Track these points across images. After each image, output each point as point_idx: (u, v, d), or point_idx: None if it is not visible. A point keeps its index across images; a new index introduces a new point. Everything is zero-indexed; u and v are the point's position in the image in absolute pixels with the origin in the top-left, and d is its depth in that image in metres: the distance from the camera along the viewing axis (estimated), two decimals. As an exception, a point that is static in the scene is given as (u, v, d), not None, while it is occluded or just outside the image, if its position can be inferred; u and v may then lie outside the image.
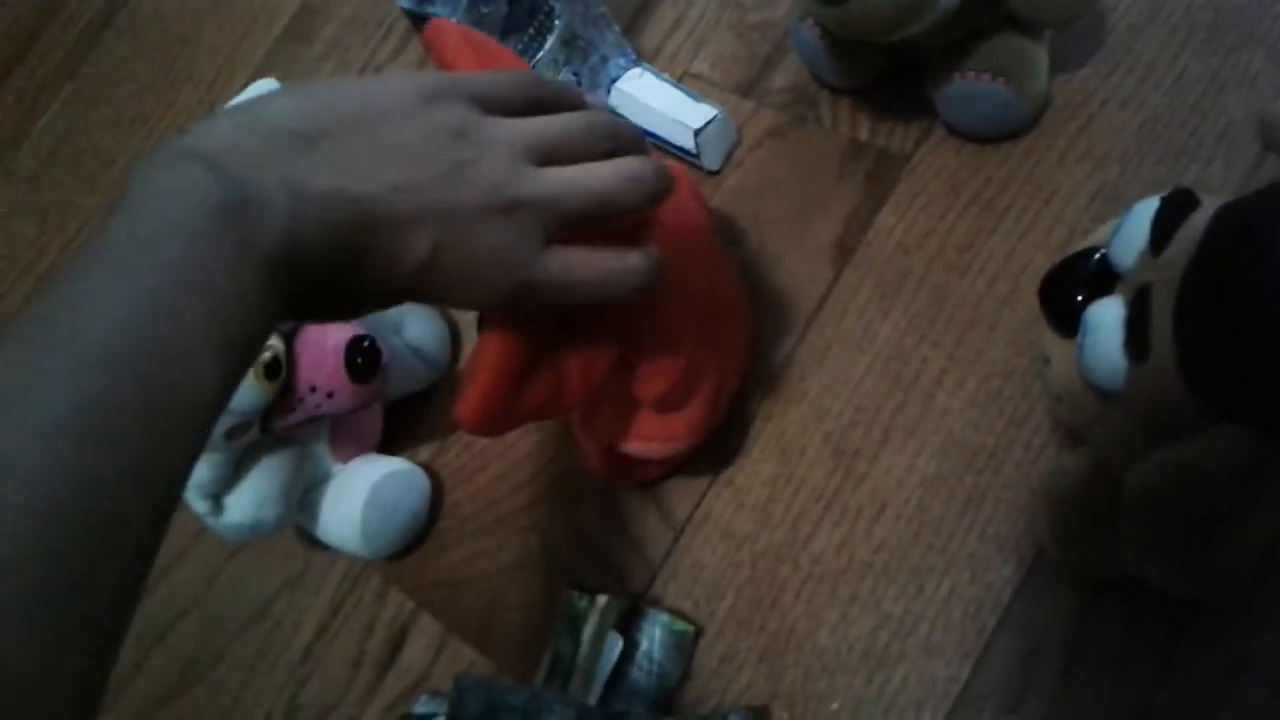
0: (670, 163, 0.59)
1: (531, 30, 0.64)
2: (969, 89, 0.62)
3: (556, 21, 0.65)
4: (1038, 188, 0.63)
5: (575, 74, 0.68)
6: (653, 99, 0.69)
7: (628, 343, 0.51)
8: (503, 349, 0.45)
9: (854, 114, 0.69)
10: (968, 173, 0.65)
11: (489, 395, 0.43)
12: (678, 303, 0.52)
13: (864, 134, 0.68)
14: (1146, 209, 0.41)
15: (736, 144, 0.70)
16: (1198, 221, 0.38)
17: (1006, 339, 0.61)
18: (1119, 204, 0.61)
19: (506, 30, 0.62)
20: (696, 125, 0.67)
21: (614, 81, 0.71)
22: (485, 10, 0.60)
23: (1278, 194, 0.36)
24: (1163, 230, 0.39)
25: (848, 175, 0.67)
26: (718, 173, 0.70)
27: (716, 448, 0.63)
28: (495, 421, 0.44)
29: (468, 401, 0.43)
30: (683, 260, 0.51)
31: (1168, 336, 0.37)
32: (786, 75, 0.71)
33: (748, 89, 0.72)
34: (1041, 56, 0.62)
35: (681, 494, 0.63)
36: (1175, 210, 0.39)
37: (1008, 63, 0.61)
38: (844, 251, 0.66)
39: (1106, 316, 0.40)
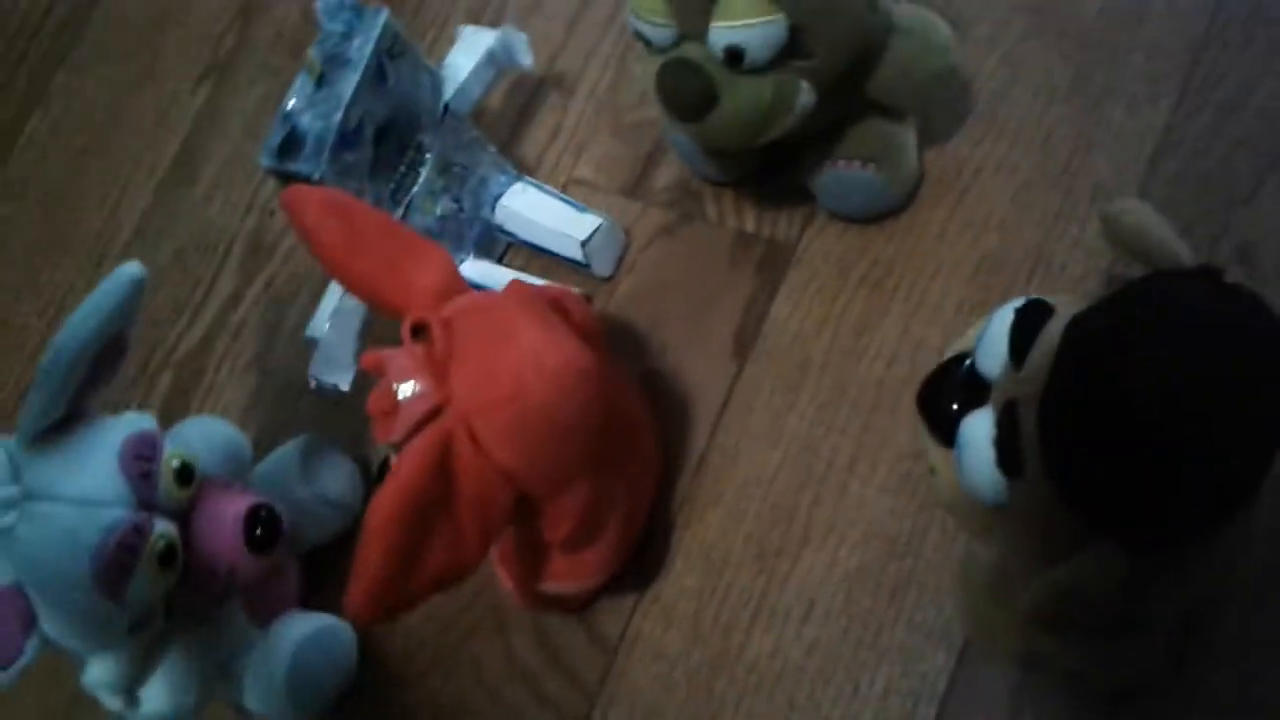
0: (559, 290, 0.59)
1: (403, 167, 0.64)
2: (841, 178, 0.62)
3: (428, 155, 0.65)
4: (923, 263, 0.64)
5: (456, 200, 0.68)
6: (537, 214, 0.69)
7: (525, 489, 0.50)
8: (390, 519, 0.44)
9: (738, 206, 0.69)
10: (854, 255, 0.65)
11: (378, 578, 0.43)
12: (572, 442, 0.51)
13: (750, 225, 0.68)
14: (1004, 317, 0.41)
15: (626, 247, 0.70)
16: (1054, 331, 0.38)
17: (911, 420, 0.60)
18: (1003, 271, 0.62)
19: (375, 171, 0.62)
20: (582, 236, 0.67)
21: (497, 199, 0.70)
22: (350, 158, 0.59)
23: (1123, 304, 0.36)
24: (1020, 342, 0.39)
25: (739, 267, 0.67)
26: (610, 278, 0.70)
27: (639, 563, 0.62)
28: (391, 606, 0.43)
29: (356, 592, 0.42)
30: (571, 400, 0.50)
31: (1037, 453, 0.37)
32: (669, 173, 0.71)
33: (632, 190, 0.72)
34: (909, 138, 0.62)
35: (610, 615, 0.62)
36: (1029, 322, 0.39)
37: (877, 149, 0.61)
38: (743, 345, 0.65)
39: (978, 432, 0.40)
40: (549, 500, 0.52)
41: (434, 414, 0.47)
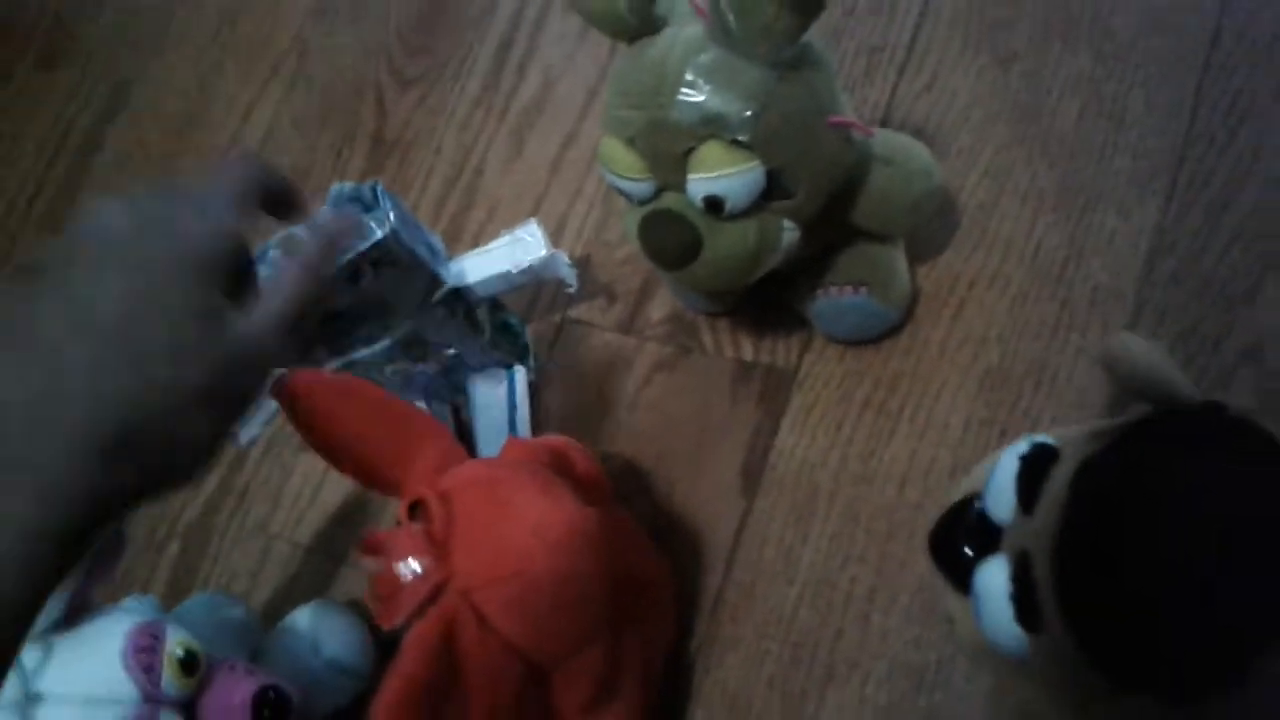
0: (561, 442, 0.58)
1: (356, 338, 0.63)
2: (835, 303, 0.61)
3: (390, 335, 0.64)
4: (926, 383, 0.63)
5: (415, 359, 0.67)
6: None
7: (534, 660, 0.49)
8: (396, 715, 0.43)
9: (735, 335, 0.68)
10: (855, 378, 0.64)
11: None
12: (580, 609, 0.50)
13: (749, 353, 0.67)
14: (1009, 464, 0.40)
15: (628, 375, 0.69)
16: (1060, 476, 0.37)
17: (927, 546, 0.59)
18: (1007, 386, 0.61)
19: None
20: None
21: (471, 372, 0.70)
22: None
23: (1129, 453, 0.35)
24: (1027, 489, 0.38)
25: (741, 399, 0.66)
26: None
27: (659, 715, 0.60)
28: None
29: None
30: (577, 569, 0.49)
31: (1055, 607, 0.36)
32: (663, 306, 0.71)
33: (628, 325, 0.72)
34: (899, 259, 0.62)
35: (634, 772, 0.60)
36: (1034, 469, 0.38)
37: (867, 273, 0.61)
38: (751, 478, 0.64)
39: (994, 584, 0.38)
40: (560, 669, 0.50)
41: (436, 593, 0.46)
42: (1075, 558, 0.35)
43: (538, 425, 0.70)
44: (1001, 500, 0.40)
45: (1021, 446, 0.40)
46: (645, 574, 0.58)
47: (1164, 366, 0.37)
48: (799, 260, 0.61)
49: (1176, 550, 0.33)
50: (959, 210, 0.66)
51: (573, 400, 0.70)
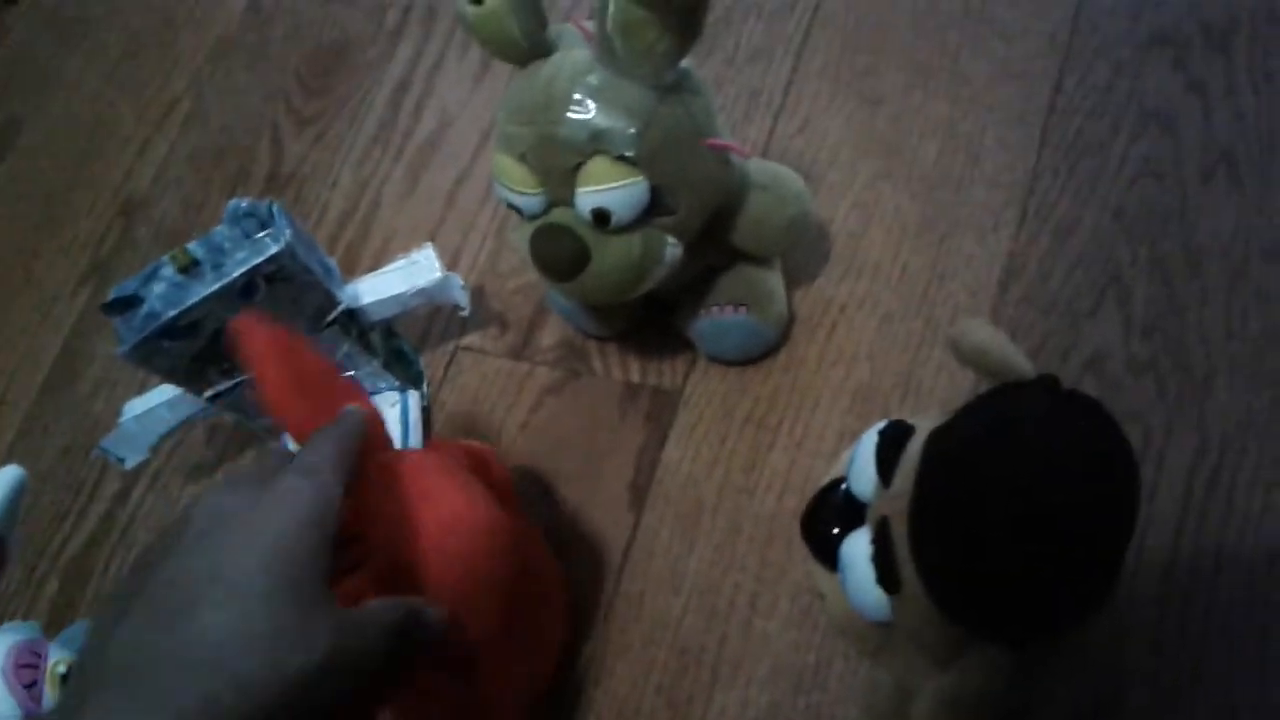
0: (481, 447, 0.60)
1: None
2: (717, 323, 0.65)
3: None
4: (802, 398, 0.66)
5: None
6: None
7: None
8: None
9: (623, 358, 0.71)
10: (737, 395, 0.67)
11: None
12: (487, 597, 0.50)
13: (636, 375, 0.70)
14: (870, 441, 0.43)
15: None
16: (915, 449, 0.41)
17: (805, 552, 0.62)
18: (876, 399, 0.65)
19: (203, 355, 0.62)
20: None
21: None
22: (168, 345, 0.60)
23: (971, 418, 0.39)
24: (885, 462, 0.41)
25: (628, 418, 0.69)
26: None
27: (551, 723, 0.61)
28: None
29: None
30: (486, 556, 0.50)
31: (912, 567, 0.39)
32: (554, 332, 0.74)
33: (519, 352, 0.74)
34: (776, 281, 0.66)
35: (526, 781, 0.61)
36: (891, 443, 0.41)
37: (746, 293, 0.64)
38: (639, 493, 0.67)
39: (857, 553, 0.41)
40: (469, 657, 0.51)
41: (350, 570, 0.47)
42: (926, 517, 0.38)
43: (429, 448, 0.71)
44: (863, 477, 0.43)
45: (880, 425, 0.43)
46: (544, 576, 0.59)
47: (1005, 346, 0.41)
48: (683, 283, 0.65)
49: (1011, 502, 0.36)
50: (830, 239, 0.70)
51: (465, 424, 0.72)
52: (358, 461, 0.47)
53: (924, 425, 0.42)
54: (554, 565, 0.63)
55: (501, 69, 0.62)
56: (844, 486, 0.45)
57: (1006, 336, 0.42)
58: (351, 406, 0.47)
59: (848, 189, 0.72)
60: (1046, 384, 0.39)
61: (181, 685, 0.36)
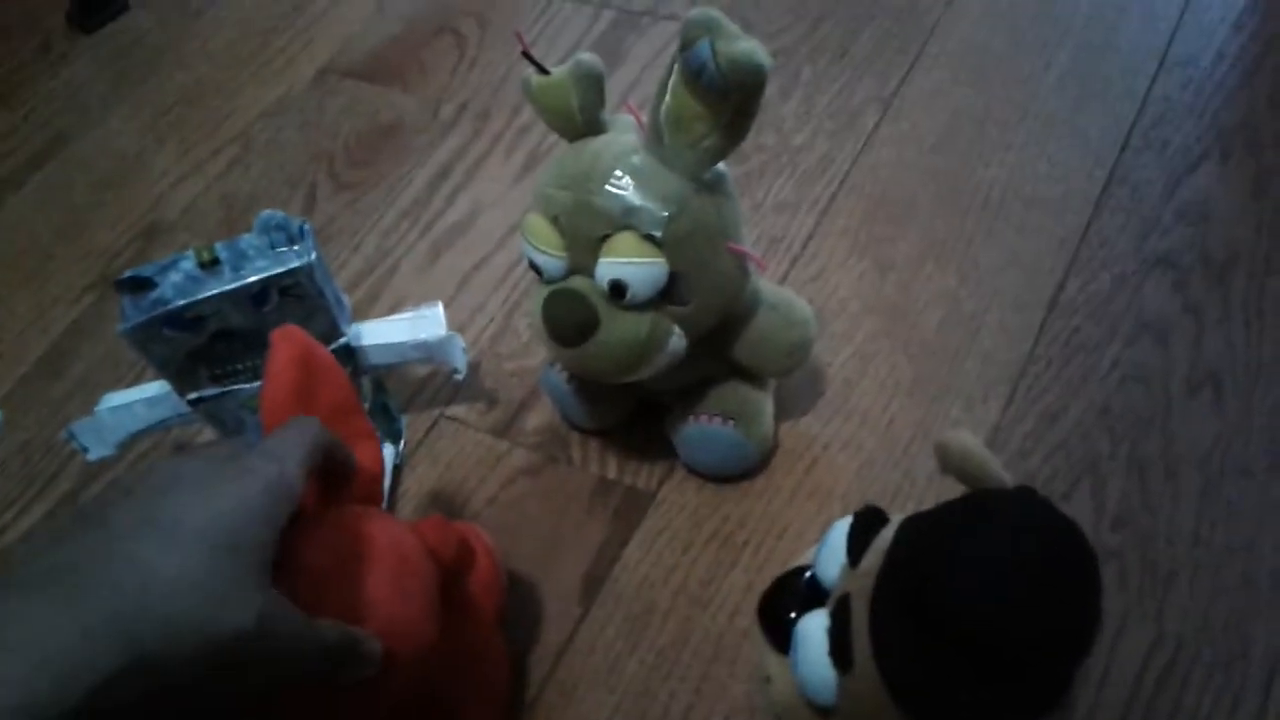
0: (472, 531, 0.60)
1: (241, 366, 0.65)
2: (702, 431, 0.66)
3: None
4: (771, 524, 0.66)
5: None
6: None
7: None
8: None
9: (603, 454, 0.71)
10: (708, 509, 0.68)
11: None
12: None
13: (612, 472, 0.70)
14: (844, 526, 0.43)
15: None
16: (888, 535, 0.41)
17: (748, 673, 0.61)
18: (846, 539, 0.65)
19: (199, 353, 0.63)
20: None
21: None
22: (170, 334, 0.60)
23: (953, 507, 0.39)
24: (857, 543, 0.41)
25: (597, 511, 0.69)
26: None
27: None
28: None
29: None
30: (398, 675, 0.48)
31: (868, 645, 0.39)
32: (540, 418, 0.74)
33: (503, 431, 0.74)
34: (767, 403, 0.67)
35: None
36: (867, 524, 0.42)
37: (736, 408, 0.65)
38: (592, 587, 0.66)
39: (813, 628, 0.41)
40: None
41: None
42: (889, 592, 0.38)
43: (392, 504, 0.71)
44: (833, 559, 0.43)
45: (856, 511, 0.43)
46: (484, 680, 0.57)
47: (988, 457, 0.42)
48: (677, 387, 0.66)
49: (978, 596, 0.36)
50: (826, 381, 0.72)
51: (434, 487, 0.72)
52: (338, 487, 0.47)
53: (900, 517, 0.42)
54: (500, 670, 0.61)
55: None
56: (808, 574, 0.45)
57: (989, 451, 0.43)
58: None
59: (850, 339, 0.74)
60: (1026, 492, 0.40)
61: (101, 605, 0.35)
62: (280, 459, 0.42)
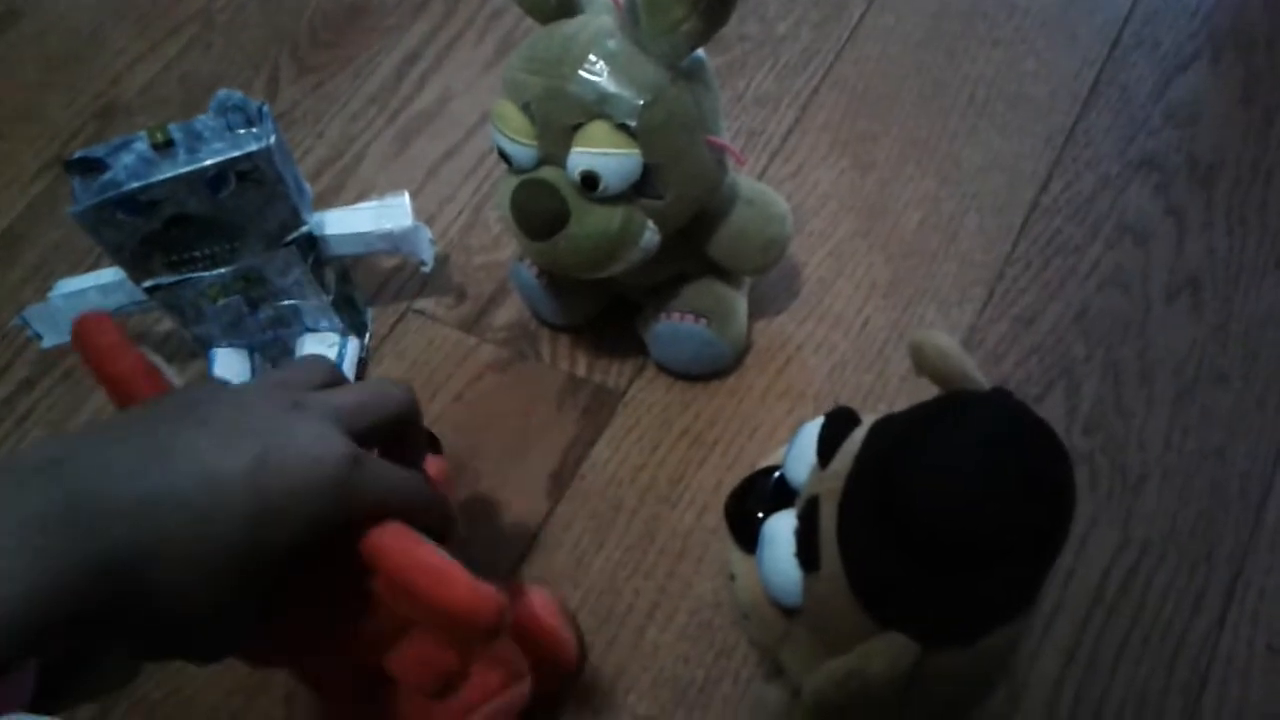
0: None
1: (199, 254, 0.62)
2: (674, 329, 0.64)
3: (237, 260, 0.63)
4: (742, 423, 0.66)
5: (252, 305, 0.66)
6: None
7: None
8: None
9: (572, 351, 0.70)
10: (678, 408, 0.67)
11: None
12: None
13: (581, 369, 0.69)
14: (814, 427, 0.42)
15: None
16: (858, 436, 0.40)
17: (715, 570, 0.61)
18: (816, 439, 0.64)
19: (152, 240, 0.60)
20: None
21: (307, 330, 0.70)
22: (123, 218, 0.58)
23: (924, 407, 0.39)
24: (827, 444, 0.41)
25: (565, 409, 0.68)
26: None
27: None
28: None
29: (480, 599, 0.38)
30: None
31: (835, 546, 0.38)
32: (509, 313, 0.73)
33: (470, 325, 0.73)
34: (741, 302, 0.66)
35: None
36: (838, 426, 0.41)
37: (710, 306, 0.64)
38: (559, 484, 0.65)
39: (780, 529, 0.41)
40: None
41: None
42: (858, 494, 0.37)
43: (359, 398, 0.69)
44: (802, 460, 0.42)
45: (829, 410, 0.42)
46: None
47: (963, 357, 0.41)
48: (650, 284, 0.64)
49: (946, 496, 0.35)
50: (801, 281, 0.71)
51: (400, 381, 0.70)
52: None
53: (871, 419, 0.41)
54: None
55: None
56: (777, 474, 0.45)
57: (964, 350, 0.42)
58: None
59: (827, 238, 0.72)
60: (1001, 394, 0.39)
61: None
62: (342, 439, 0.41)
